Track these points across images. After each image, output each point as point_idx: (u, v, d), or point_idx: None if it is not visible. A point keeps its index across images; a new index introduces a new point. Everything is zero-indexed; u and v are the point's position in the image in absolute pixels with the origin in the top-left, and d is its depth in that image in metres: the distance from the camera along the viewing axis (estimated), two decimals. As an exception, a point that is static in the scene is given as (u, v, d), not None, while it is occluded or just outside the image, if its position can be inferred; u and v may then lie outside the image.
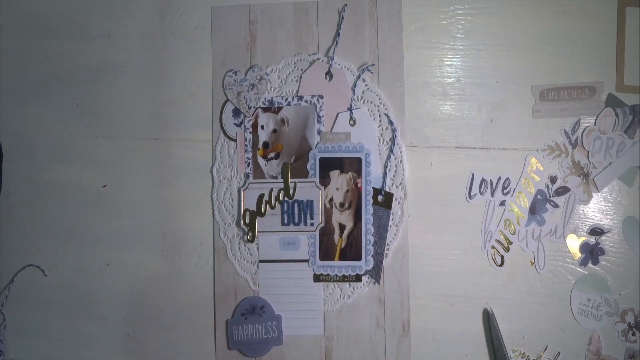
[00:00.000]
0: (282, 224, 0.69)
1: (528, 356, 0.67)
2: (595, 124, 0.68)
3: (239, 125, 0.70)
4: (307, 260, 0.69)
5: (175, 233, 0.70)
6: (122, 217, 0.71)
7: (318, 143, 0.69)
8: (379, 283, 0.68)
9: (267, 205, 0.69)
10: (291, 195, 0.68)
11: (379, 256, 0.68)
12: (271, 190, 0.69)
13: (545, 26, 0.68)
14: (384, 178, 0.68)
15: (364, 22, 0.69)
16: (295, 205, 0.69)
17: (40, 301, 0.71)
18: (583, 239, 0.68)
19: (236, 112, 0.70)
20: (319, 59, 0.69)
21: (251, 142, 0.69)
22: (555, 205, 0.68)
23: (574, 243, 0.68)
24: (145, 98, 0.71)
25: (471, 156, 0.68)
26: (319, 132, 0.69)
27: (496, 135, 0.68)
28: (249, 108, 0.69)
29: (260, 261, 0.69)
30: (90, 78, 0.71)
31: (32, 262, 0.71)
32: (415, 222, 0.68)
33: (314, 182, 0.68)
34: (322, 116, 0.69)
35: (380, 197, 0.68)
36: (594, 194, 0.68)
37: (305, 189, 0.69)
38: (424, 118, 0.69)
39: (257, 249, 0.69)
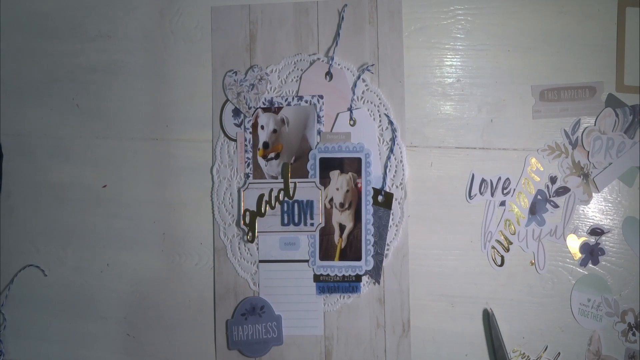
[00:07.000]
0: (282, 224, 0.69)
1: (528, 356, 0.67)
2: (595, 124, 0.68)
3: (239, 126, 0.70)
4: (307, 261, 0.68)
5: (175, 233, 0.70)
6: (122, 217, 0.71)
7: (318, 143, 0.69)
8: (379, 283, 0.68)
9: (267, 206, 0.69)
10: (291, 195, 0.68)
11: (379, 256, 0.68)
12: (271, 190, 0.69)
13: (545, 26, 0.68)
14: (384, 178, 0.68)
15: (364, 22, 0.69)
16: (295, 205, 0.69)
17: (40, 301, 0.71)
18: (583, 239, 0.68)
19: (236, 112, 0.70)
20: (319, 59, 0.69)
21: (251, 142, 0.69)
22: (555, 206, 0.68)
23: (574, 243, 0.68)
24: (145, 98, 0.71)
25: (471, 156, 0.68)
26: (319, 132, 0.69)
27: (496, 135, 0.68)
28: (249, 108, 0.69)
29: (260, 261, 0.69)
30: (90, 78, 0.71)
31: (32, 262, 0.71)
32: (415, 222, 0.68)
33: (314, 182, 0.68)
34: (322, 116, 0.69)
35: (380, 197, 0.68)
36: (594, 194, 0.68)
37: (305, 189, 0.68)
38: (424, 118, 0.68)
39: (257, 249, 0.69)
